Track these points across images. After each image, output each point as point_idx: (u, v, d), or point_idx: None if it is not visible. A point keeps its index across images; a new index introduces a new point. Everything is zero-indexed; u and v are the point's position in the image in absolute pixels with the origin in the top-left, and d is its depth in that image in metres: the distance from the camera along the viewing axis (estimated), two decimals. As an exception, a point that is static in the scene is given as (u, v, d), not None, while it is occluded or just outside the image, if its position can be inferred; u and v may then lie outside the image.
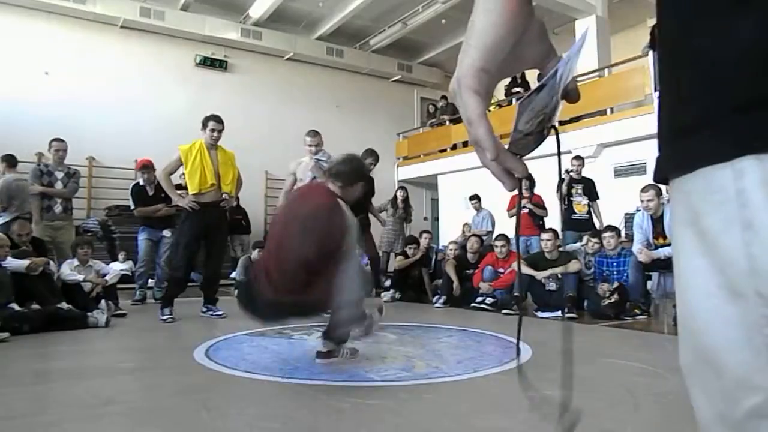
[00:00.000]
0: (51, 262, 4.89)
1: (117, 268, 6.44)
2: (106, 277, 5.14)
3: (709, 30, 0.40)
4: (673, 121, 0.44)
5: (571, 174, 6.61)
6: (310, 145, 5.11)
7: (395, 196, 8.23)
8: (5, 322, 3.86)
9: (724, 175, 0.39)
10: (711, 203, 0.40)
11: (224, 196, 4.92)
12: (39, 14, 9.30)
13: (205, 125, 4.89)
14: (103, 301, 4.68)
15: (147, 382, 2.77)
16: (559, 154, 0.54)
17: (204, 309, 4.94)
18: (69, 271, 4.96)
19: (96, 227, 8.29)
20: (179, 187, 5.17)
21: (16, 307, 4.16)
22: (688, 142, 0.42)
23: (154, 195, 6.06)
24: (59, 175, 5.69)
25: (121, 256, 7.44)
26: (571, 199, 6.63)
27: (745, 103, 0.38)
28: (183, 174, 4.93)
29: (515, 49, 0.53)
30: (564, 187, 6.61)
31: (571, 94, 0.52)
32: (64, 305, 4.45)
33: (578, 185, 6.66)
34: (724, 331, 0.40)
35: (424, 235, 7.24)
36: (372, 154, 5.82)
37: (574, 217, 6.56)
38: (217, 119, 4.91)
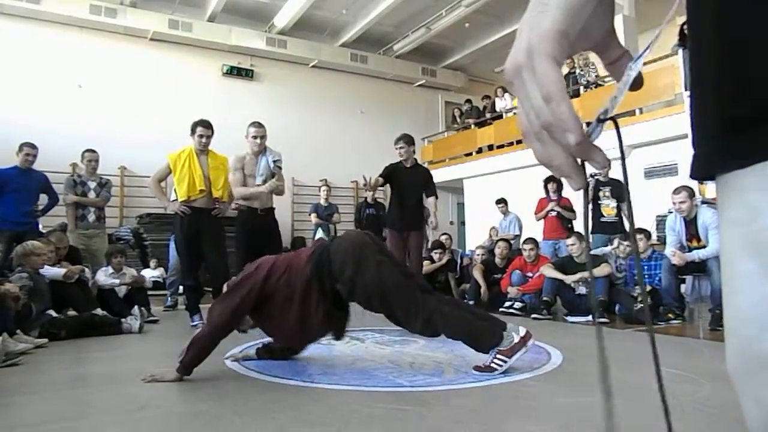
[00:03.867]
0: (86, 270, 5.02)
1: (149, 275, 6.60)
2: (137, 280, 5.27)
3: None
4: (723, 116, 0.41)
5: (598, 177, 6.51)
6: (255, 137, 4.83)
7: None
8: (43, 329, 3.99)
9: None
10: None
11: (217, 204, 4.79)
12: (72, 29, 9.60)
13: (193, 131, 4.77)
14: (136, 307, 4.79)
15: (180, 387, 2.81)
16: (621, 148, 0.48)
17: None
18: (104, 278, 5.10)
19: (128, 235, 8.48)
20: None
21: (53, 313, 4.29)
22: (745, 135, 0.39)
23: None
24: (92, 184, 5.84)
25: (152, 263, 7.60)
26: (599, 202, 6.52)
27: None
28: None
29: (586, 22, 0.46)
30: (590, 190, 6.51)
31: (637, 82, 0.48)
32: (99, 311, 4.57)
33: (605, 188, 6.55)
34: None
35: (443, 237, 7.30)
36: (401, 137, 5.40)
37: (603, 219, 6.45)
38: (205, 124, 4.79)
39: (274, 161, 4.90)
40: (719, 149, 0.42)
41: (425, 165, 12.70)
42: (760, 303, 0.39)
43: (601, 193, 6.48)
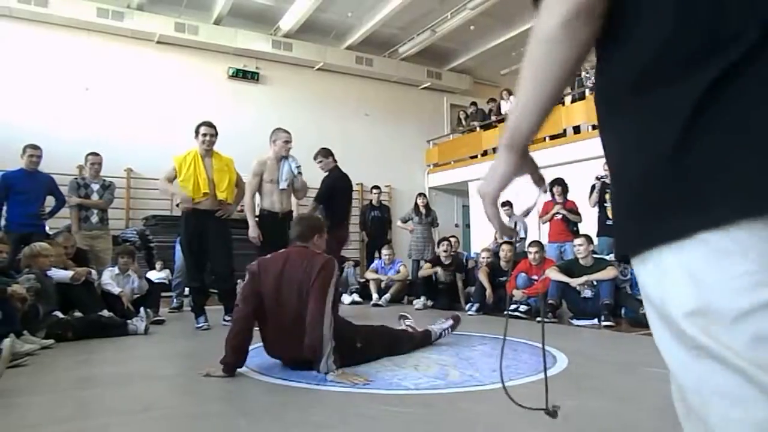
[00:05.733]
0: (92, 272, 5.04)
1: (154, 276, 6.62)
2: (135, 291, 5.26)
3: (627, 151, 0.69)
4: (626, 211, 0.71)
5: (603, 179, 6.48)
6: (287, 142, 5.01)
7: (416, 204, 8.36)
8: (50, 330, 4.01)
9: (649, 258, 0.65)
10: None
11: (221, 205, 4.81)
12: (80, 32, 9.65)
13: (197, 132, 4.81)
14: (142, 309, 4.81)
15: (185, 388, 2.82)
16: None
17: (224, 319, 4.74)
18: (109, 279, 5.11)
19: (134, 237, 8.51)
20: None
21: (59, 314, 4.31)
22: (638, 226, 0.68)
23: None
24: (95, 187, 5.87)
25: (158, 264, 7.62)
26: (605, 204, 6.48)
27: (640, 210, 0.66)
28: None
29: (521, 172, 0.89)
30: (596, 194, 6.48)
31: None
32: (105, 313, 4.58)
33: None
34: (682, 374, 0.64)
35: (452, 239, 7.14)
36: (321, 152, 5.69)
37: (608, 222, 6.42)
38: (209, 125, 4.82)
39: (297, 167, 5.02)
40: (627, 236, 0.71)
41: (430, 167, 12.80)
42: (669, 349, 0.65)
43: (607, 196, 6.44)
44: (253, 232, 4.81)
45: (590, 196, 6.51)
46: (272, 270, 2.98)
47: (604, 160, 6.03)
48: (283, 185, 4.95)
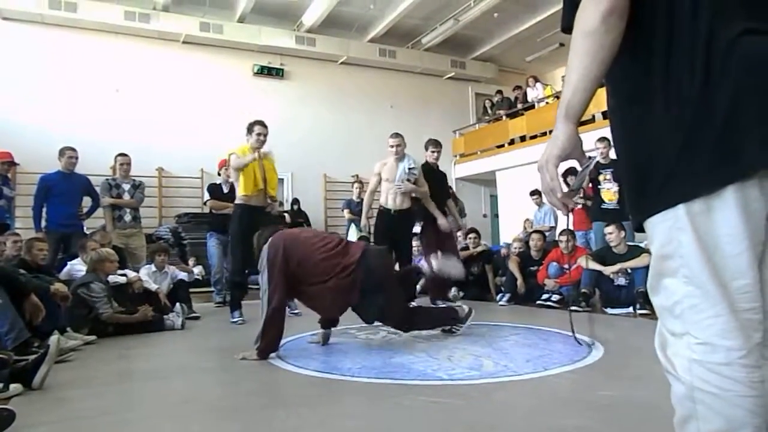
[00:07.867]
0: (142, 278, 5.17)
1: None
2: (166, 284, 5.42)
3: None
4: (633, 191, 1.06)
5: (597, 159, 5.98)
6: (392, 146, 5.30)
7: None
8: (92, 325, 4.14)
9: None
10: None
11: (269, 201, 4.99)
12: (109, 35, 9.85)
13: (250, 130, 4.91)
14: (178, 304, 4.92)
15: (223, 381, 2.89)
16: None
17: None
18: (146, 277, 5.24)
19: (167, 234, 8.69)
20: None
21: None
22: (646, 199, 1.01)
23: (228, 193, 6.14)
24: (126, 186, 6.01)
25: (191, 261, 7.77)
26: (599, 186, 5.98)
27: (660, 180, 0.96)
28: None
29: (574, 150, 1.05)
30: (589, 172, 6.14)
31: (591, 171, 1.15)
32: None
33: (606, 170, 5.93)
34: None
35: (470, 235, 6.84)
36: (431, 143, 5.91)
37: (603, 206, 5.92)
38: (263, 124, 4.95)
39: (409, 168, 5.28)
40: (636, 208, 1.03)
41: (456, 158, 12.72)
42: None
43: (601, 177, 5.94)
44: (363, 220, 5.60)
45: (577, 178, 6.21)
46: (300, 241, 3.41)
47: (601, 144, 5.66)
48: (398, 184, 5.24)
